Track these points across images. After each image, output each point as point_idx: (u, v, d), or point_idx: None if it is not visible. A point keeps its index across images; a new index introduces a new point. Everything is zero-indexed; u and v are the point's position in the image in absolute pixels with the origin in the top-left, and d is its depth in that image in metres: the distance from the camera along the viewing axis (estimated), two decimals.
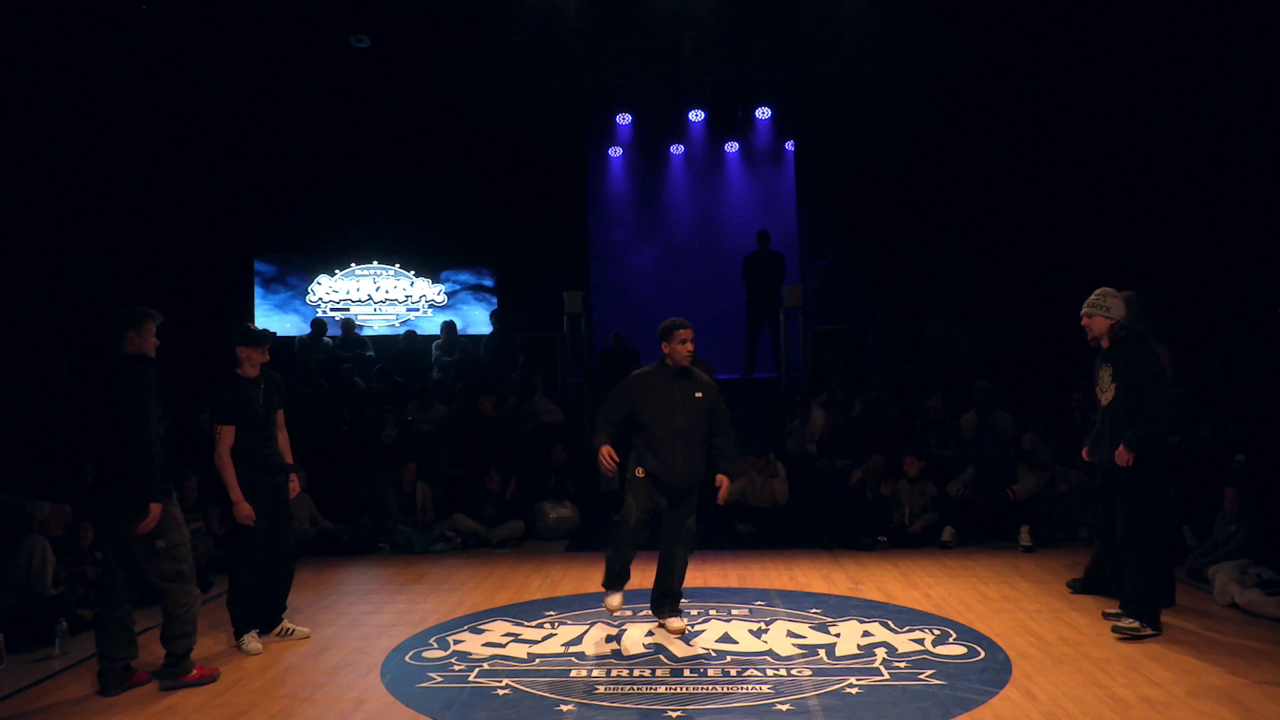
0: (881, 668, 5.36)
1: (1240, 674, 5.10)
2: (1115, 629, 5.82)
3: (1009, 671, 5.25)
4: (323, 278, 14.08)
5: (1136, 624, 5.80)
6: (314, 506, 9.32)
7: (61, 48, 10.90)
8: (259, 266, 13.96)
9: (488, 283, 14.21)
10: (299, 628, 6.29)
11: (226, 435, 5.90)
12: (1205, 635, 5.81)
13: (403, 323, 14.03)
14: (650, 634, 6.04)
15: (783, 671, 5.34)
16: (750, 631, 6.08)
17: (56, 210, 11.63)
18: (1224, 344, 10.13)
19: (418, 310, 14.11)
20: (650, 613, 6.23)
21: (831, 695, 4.95)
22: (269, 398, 6.13)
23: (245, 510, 5.87)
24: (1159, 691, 4.90)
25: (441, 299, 14.17)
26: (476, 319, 14.01)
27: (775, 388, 12.59)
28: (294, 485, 6.38)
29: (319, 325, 13.34)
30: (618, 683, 5.20)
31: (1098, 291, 6.11)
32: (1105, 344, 6.06)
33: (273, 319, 13.84)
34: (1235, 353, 10.00)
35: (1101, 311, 6.03)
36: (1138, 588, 5.86)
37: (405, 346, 13.30)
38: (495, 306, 13.89)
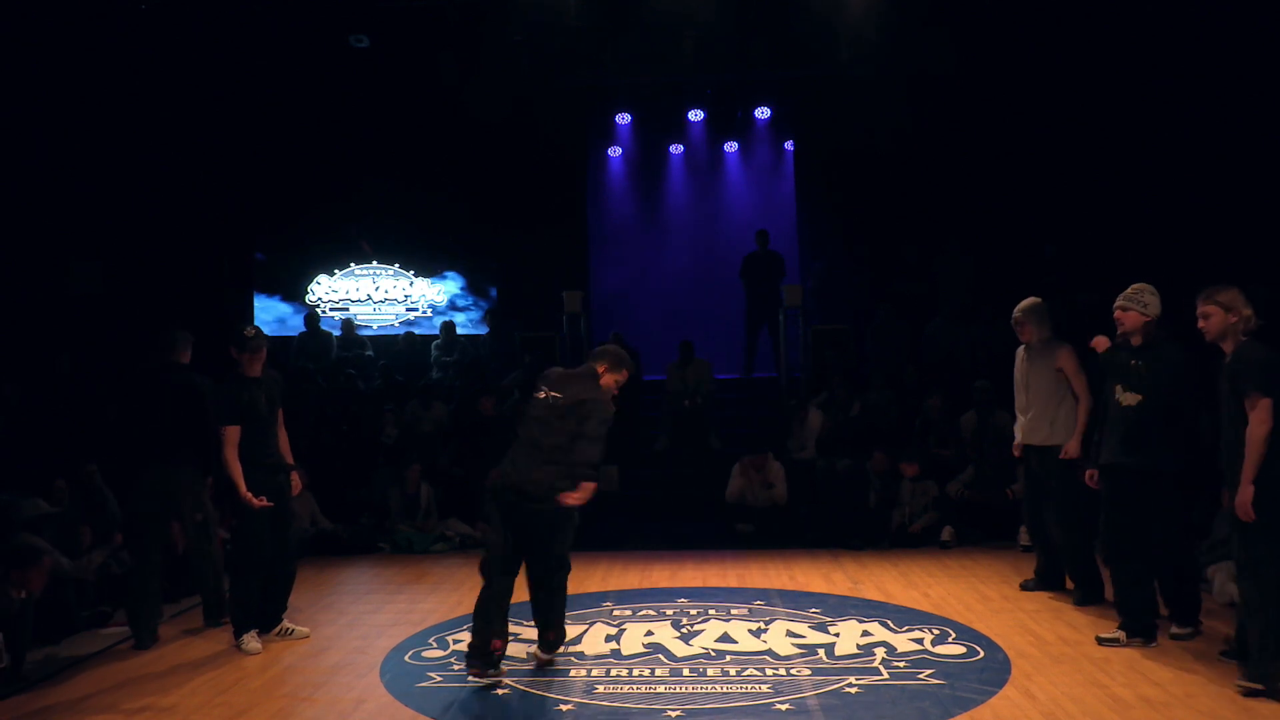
0: (881, 667, 5.36)
1: (1238, 671, 5.09)
2: (1174, 636, 5.73)
3: (1008, 671, 5.25)
4: (322, 277, 14.09)
5: (1191, 629, 5.78)
6: (315, 506, 9.33)
7: (61, 46, 10.90)
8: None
9: (487, 282, 14.22)
10: (299, 627, 6.27)
11: (232, 435, 5.90)
12: (1205, 634, 5.80)
13: (402, 323, 14.04)
14: (650, 634, 6.04)
15: (782, 671, 5.34)
16: (750, 631, 6.08)
17: (56, 210, 11.63)
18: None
19: (417, 310, 14.12)
20: (651, 613, 6.22)
21: (831, 695, 4.95)
22: (271, 397, 6.13)
23: (259, 502, 5.90)
24: (1158, 691, 4.90)
25: (441, 298, 14.18)
26: (475, 319, 14.02)
27: (775, 388, 12.59)
28: (296, 483, 6.38)
29: (312, 320, 13.32)
30: (617, 682, 5.20)
31: (1134, 286, 5.89)
32: (1137, 341, 5.83)
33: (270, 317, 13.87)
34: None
35: (1138, 307, 5.82)
36: (1189, 600, 5.80)
37: (404, 346, 13.31)
38: (494, 306, 13.89)
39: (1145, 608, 5.78)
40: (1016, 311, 6.92)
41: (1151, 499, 5.68)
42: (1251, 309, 5.08)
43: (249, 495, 5.89)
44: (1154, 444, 5.67)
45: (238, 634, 6.03)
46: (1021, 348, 7.02)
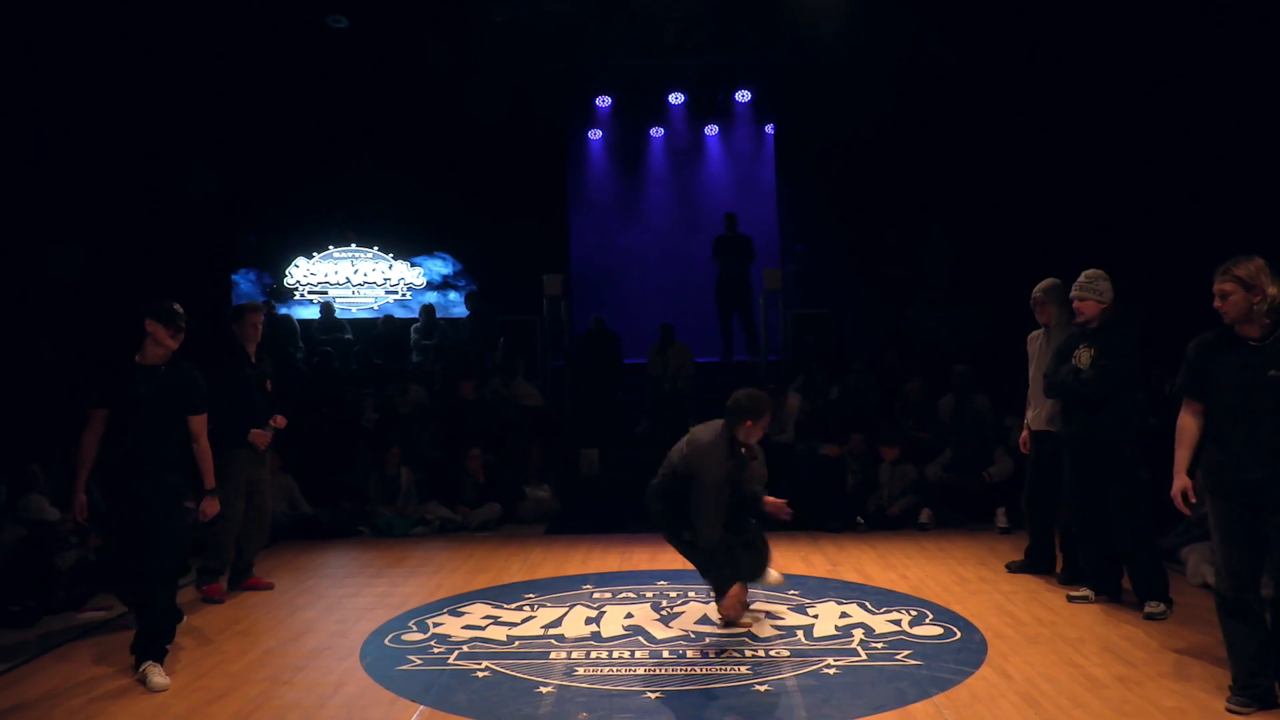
0: (859, 648, 5.40)
1: (1213, 653, 5.15)
2: (1150, 615, 5.79)
3: (985, 652, 5.30)
4: (300, 260, 14.01)
5: (1163, 606, 5.83)
6: (296, 489, 9.31)
7: (36, 28, 10.76)
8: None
9: (467, 266, 14.17)
10: (157, 678, 5.02)
11: (95, 420, 5.24)
12: (1178, 615, 5.87)
13: (381, 306, 13.98)
14: (630, 616, 6.06)
15: (761, 653, 5.37)
16: None
17: (34, 194, 11.49)
18: (1199, 331, 10.16)
19: (396, 293, 14.07)
20: (631, 595, 6.24)
21: (809, 676, 4.98)
22: (164, 394, 5.25)
23: (79, 501, 5.27)
24: (1132, 671, 4.95)
25: (420, 282, 14.13)
26: (455, 302, 13.97)
27: (754, 371, 12.61)
28: (209, 506, 5.57)
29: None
30: (597, 664, 5.22)
31: (1086, 274, 6.06)
32: (1094, 325, 6.03)
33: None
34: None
35: (1094, 295, 6.00)
36: (1151, 569, 5.89)
37: (384, 330, 13.26)
38: (474, 290, 13.85)
39: (1110, 570, 6.19)
40: (1037, 291, 6.82)
41: (1110, 468, 5.92)
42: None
43: (79, 497, 5.27)
44: (1109, 414, 5.90)
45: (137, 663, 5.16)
46: (1039, 331, 6.90)
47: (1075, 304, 6.09)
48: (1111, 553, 6.14)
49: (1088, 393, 5.92)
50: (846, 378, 10.80)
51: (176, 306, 5.27)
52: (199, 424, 5.47)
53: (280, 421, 7.01)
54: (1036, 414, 6.83)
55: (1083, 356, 6.02)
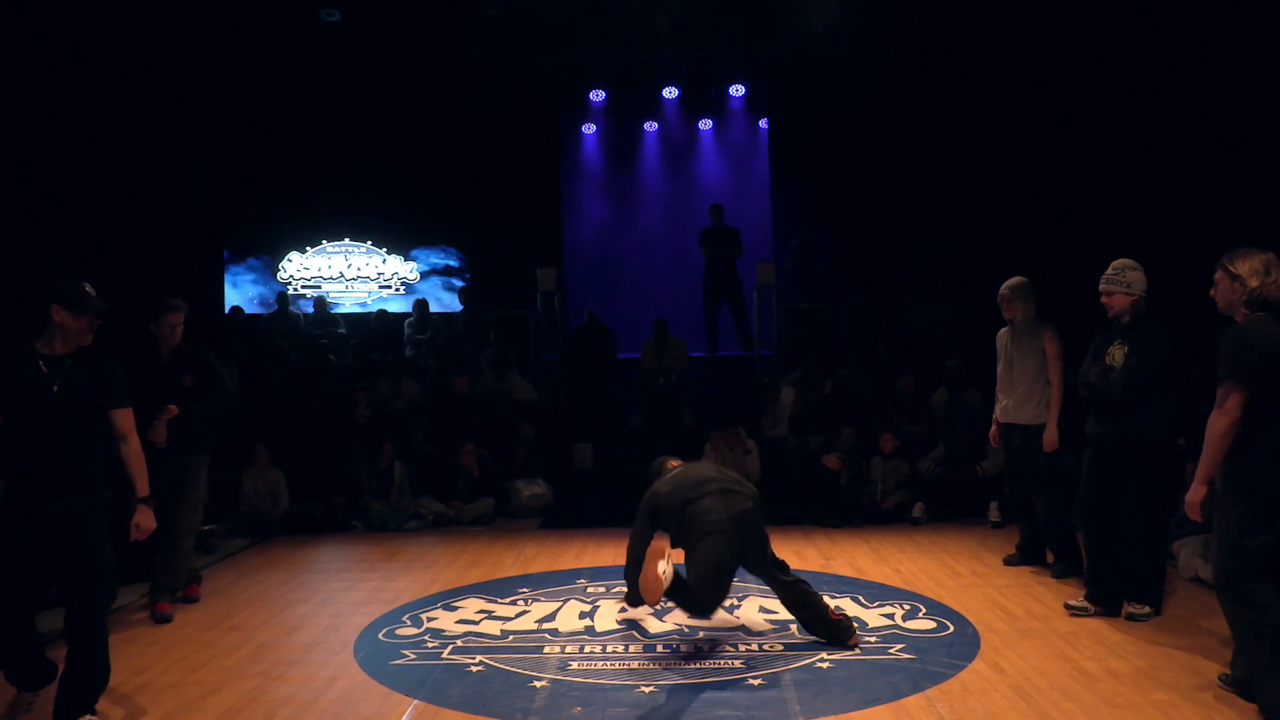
0: None
1: (1202, 646, 5.19)
2: (1130, 616, 5.70)
3: (978, 645, 5.32)
4: (293, 255, 13.98)
5: (1148, 609, 5.75)
6: (284, 484, 9.28)
7: (27, 21, 10.70)
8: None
9: (460, 260, 14.16)
10: None
11: None
12: (1169, 608, 5.89)
13: (375, 300, 13.97)
14: (623, 610, 6.07)
15: (754, 646, 5.38)
16: (723, 607, 6.10)
17: (27, 189, 11.44)
18: (1194, 327, 10.20)
19: (390, 288, 14.05)
20: (625, 589, 6.23)
21: (803, 669, 5.00)
22: (80, 388, 4.38)
23: None
24: (1124, 664, 4.98)
25: (414, 276, 14.11)
26: (449, 297, 13.96)
27: (746, 365, 12.62)
28: (144, 519, 4.53)
29: (283, 299, 13.33)
30: (591, 659, 5.23)
31: (1116, 264, 5.81)
32: (1126, 320, 5.79)
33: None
34: (1204, 335, 10.10)
35: (1122, 288, 5.75)
36: (1150, 574, 5.80)
37: (377, 324, 13.24)
38: (468, 284, 13.85)
39: (1113, 585, 5.86)
40: (1004, 289, 6.88)
41: (1132, 468, 5.70)
42: (1268, 277, 4.37)
43: None
44: (1138, 415, 5.66)
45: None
46: (1006, 328, 7.00)
47: (1103, 298, 5.83)
48: (1117, 563, 5.85)
49: (1116, 394, 5.68)
50: (839, 372, 10.82)
51: (87, 288, 4.49)
52: (125, 419, 4.52)
53: (171, 410, 6.02)
54: (1004, 407, 6.93)
55: (1115, 354, 5.77)
